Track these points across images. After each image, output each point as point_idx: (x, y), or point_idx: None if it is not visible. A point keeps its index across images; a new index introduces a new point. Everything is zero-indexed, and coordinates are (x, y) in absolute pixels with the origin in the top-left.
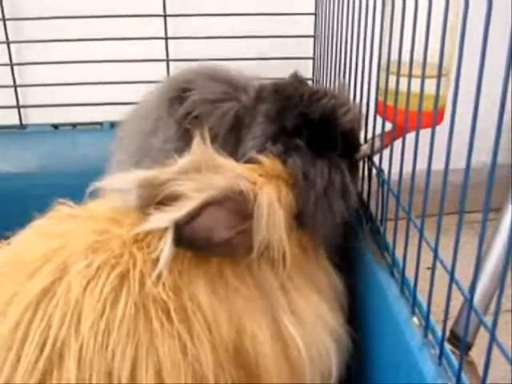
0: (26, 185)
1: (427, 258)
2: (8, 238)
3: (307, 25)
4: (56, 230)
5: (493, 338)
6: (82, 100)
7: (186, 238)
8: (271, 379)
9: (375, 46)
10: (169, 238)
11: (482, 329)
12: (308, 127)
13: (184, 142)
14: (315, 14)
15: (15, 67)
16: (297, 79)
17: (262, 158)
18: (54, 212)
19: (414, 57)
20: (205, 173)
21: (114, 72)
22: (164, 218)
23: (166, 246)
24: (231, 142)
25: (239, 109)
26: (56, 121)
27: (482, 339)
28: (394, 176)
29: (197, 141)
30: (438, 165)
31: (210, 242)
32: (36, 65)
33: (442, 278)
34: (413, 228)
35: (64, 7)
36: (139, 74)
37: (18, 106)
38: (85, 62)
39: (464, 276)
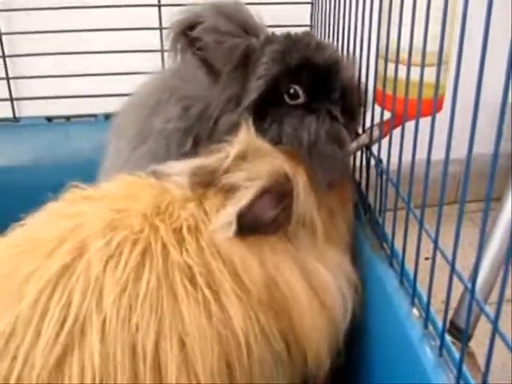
0: (20, 178)
1: (426, 248)
2: (2, 232)
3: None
4: (71, 211)
5: (495, 329)
6: (75, 92)
7: (246, 225)
8: (304, 316)
9: (373, 34)
10: (231, 229)
11: (480, 319)
12: (310, 71)
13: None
14: (312, 3)
15: (8, 59)
16: (309, 34)
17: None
18: (67, 194)
19: (413, 44)
20: (251, 160)
21: (108, 63)
22: (230, 212)
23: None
24: (238, 79)
25: (247, 46)
26: (50, 113)
27: (480, 329)
28: (393, 166)
29: (243, 129)
30: (437, 155)
31: (261, 224)
32: (29, 57)
33: (441, 268)
34: (412, 218)
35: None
36: (134, 65)
37: (12, 99)
38: (78, 53)
39: (463, 266)
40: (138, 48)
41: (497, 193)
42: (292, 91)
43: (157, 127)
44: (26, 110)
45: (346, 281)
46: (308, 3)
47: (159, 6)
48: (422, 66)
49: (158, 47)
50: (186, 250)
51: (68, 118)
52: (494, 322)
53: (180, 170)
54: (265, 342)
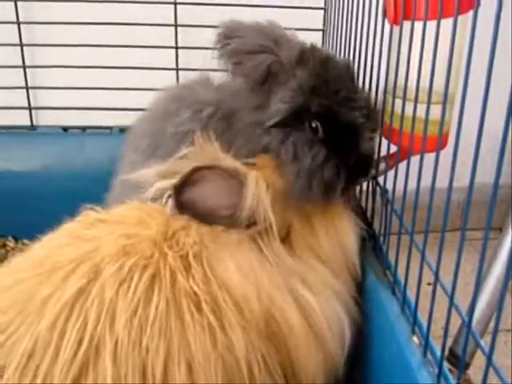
0: (34, 184)
1: (429, 273)
2: (18, 238)
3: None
4: (87, 234)
5: (489, 363)
6: (92, 104)
7: (187, 202)
8: (299, 347)
9: (382, 69)
10: (170, 201)
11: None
12: (328, 124)
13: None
14: (324, 9)
15: (28, 69)
16: (348, 66)
17: (254, 160)
18: (82, 217)
19: (420, 83)
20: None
21: (125, 78)
22: (165, 183)
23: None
24: (261, 96)
25: (273, 63)
26: (66, 123)
27: (480, 357)
28: (398, 193)
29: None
30: (440, 183)
31: (212, 213)
32: (48, 68)
33: (442, 295)
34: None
35: (77, 12)
36: (149, 82)
37: (30, 108)
38: (96, 67)
39: (464, 292)
40: (154, 65)
41: (499, 222)
42: (314, 125)
43: (169, 133)
44: (44, 119)
45: (335, 301)
46: (321, 8)
47: (176, 25)
48: (428, 104)
49: (173, 65)
50: (193, 277)
51: (84, 128)
52: (488, 357)
53: (147, 177)
54: (266, 372)
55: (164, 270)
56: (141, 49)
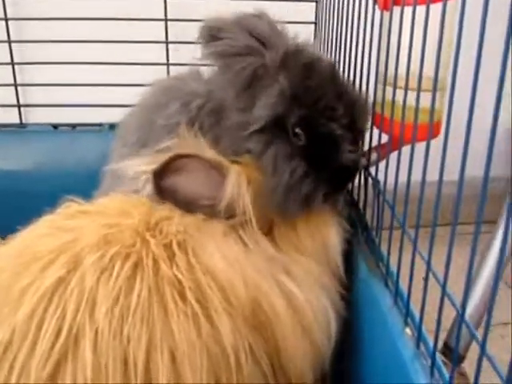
0: (24, 183)
1: (423, 267)
2: (4, 237)
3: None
4: (68, 225)
5: (483, 353)
6: (82, 101)
7: (167, 189)
8: (285, 336)
9: (373, 56)
10: (148, 185)
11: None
12: (308, 133)
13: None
14: (316, 2)
15: (16, 66)
16: (332, 69)
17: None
18: (63, 208)
19: (411, 70)
20: None
21: (114, 74)
22: (144, 167)
23: (146, 189)
24: (247, 97)
25: (258, 67)
26: (56, 121)
27: (476, 350)
28: (391, 186)
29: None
30: (433, 176)
31: (192, 202)
32: (37, 64)
33: (436, 288)
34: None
35: (66, 8)
36: (140, 77)
37: (19, 105)
38: (86, 63)
39: (457, 286)
40: (145, 61)
41: (494, 215)
42: (296, 131)
43: (158, 125)
44: (33, 116)
45: (321, 292)
46: (313, 1)
47: (166, 20)
48: (418, 90)
49: (164, 60)
50: (176, 265)
51: (74, 126)
52: (482, 347)
53: (132, 167)
54: (254, 360)
55: (147, 259)
56: (131, 44)
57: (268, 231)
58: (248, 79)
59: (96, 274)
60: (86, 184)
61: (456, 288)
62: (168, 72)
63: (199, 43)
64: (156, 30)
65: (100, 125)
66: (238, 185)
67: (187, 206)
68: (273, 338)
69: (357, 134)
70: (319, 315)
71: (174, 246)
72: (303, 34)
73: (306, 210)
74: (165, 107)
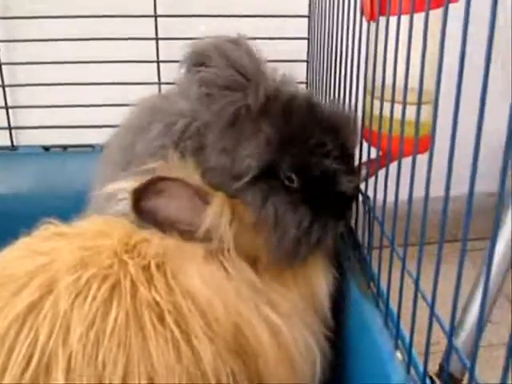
0: (17, 206)
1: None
2: None
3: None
4: (43, 248)
5: (472, 379)
6: (73, 122)
7: (147, 210)
8: (269, 365)
9: (362, 71)
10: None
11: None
12: (303, 178)
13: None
14: (308, 39)
15: (7, 88)
16: (309, 106)
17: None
18: (40, 231)
19: (398, 83)
20: None
21: (106, 94)
22: (124, 185)
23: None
24: (229, 138)
25: (241, 107)
26: (48, 143)
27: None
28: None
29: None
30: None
31: (170, 226)
32: (28, 86)
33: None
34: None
35: (58, 29)
36: (132, 97)
37: (10, 128)
38: (77, 84)
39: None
40: (136, 80)
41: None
42: (289, 175)
43: (141, 147)
44: (25, 138)
45: (306, 330)
46: (305, 16)
47: (157, 39)
48: (404, 103)
49: (155, 80)
50: (155, 287)
51: (65, 147)
52: (471, 370)
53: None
54: None
55: (124, 281)
56: (123, 64)
57: (252, 263)
58: (232, 117)
59: (71, 297)
60: (77, 205)
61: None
62: (159, 90)
63: (183, 67)
64: (147, 49)
65: (92, 146)
66: (220, 215)
67: (166, 228)
68: (254, 364)
69: (349, 159)
70: (304, 352)
71: (153, 268)
72: (296, 52)
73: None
74: (147, 129)
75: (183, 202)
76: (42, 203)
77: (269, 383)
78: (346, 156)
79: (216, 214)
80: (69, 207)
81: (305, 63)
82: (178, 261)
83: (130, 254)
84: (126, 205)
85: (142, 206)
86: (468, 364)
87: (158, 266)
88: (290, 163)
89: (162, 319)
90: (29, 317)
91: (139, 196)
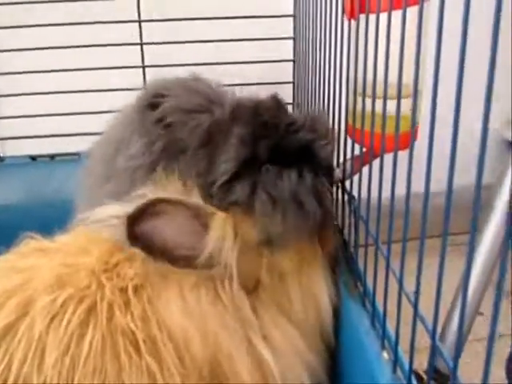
0: (5, 217)
1: (409, 281)
2: None
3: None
4: (21, 265)
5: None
6: (59, 131)
7: (142, 236)
8: None
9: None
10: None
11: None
12: (282, 155)
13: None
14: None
15: None
16: (276, 103)
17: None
18: (20, 246)
19: (379, 77)
20: None
21: (91, 102)
22: (117, 210)
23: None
24: (203, 158)
25: (212, 123)
26: (34, 152)
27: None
28: (374, 200)
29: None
30: (417, 187)
31: (168, 251)
32: (12, 96)
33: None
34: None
35: (43, 38)
36: (117, 104)
37: None
38: (62, 92)
39: (448, 297)
40: (121, 87)
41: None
42: (266, 170)
43: (120, 166)
44: (11, 149)
45: (298, 364)
46: (290, 16)
47: (141, 44)
48: (385, 98)
49: (141, 86)
50: (131, 314)
51: (52, 156)
52: (453, 372)
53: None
54: None
55: (101, 304)
56: (109, 70)
57: (253, 288)
58: (204, 136)
59: (46, 319)
60: (66, 215)
61: (447, 299)
62: None
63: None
64: (132, 55)
65: (78, 154)
66: (223, 237)
67: (161, 255)
68: None
69: (323, 129)
70: (288, 380)
71: (130, 292)
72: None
73: (327, 212)
74: (127, 145)
75: (182, 225)
76: (30, 213)
77: None
78: (321, 127)
79: (217, 238)
80: (57, 216)
81: (291, 62)
82: (159, 284)
83: (109, 274)
84: (117, 231)
85: (137, 231)
86: (451, 365)
87: (134, 289)
88: (266, 153)
89: (137, 348)
90: (4, 341)
91: (134, 221)
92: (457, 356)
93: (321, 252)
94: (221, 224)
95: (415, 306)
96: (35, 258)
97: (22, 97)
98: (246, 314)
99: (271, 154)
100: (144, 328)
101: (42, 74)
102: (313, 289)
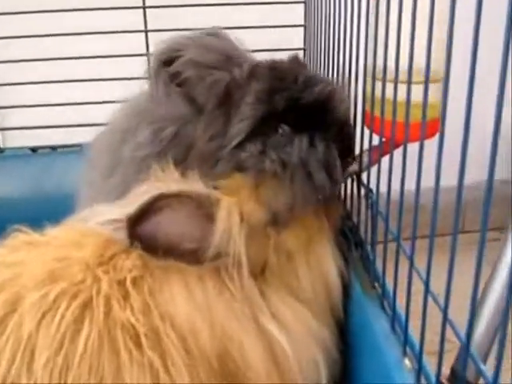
0: (5, 210)
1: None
2: None
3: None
4: (10, 259)
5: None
6: (61, 122)
7: (144, 235)
8: None
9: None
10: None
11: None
12: (299, 111)
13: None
14: (304, 26)
15: None
16: (296, 61)
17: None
18: (9, 240)
19: (401, 62)
20: None
21: (95, 92)
22: (117, 213)
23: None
24: (219, 118)
25: (230, 82)
26: (35, 144)
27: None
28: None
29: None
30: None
31: (173, 246)
32: (13, 86)
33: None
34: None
35: (43, 24)
36: (119, 95)
37: None
38: (63, 81)
39: (466, 302)
40: (124, 76)
41: (501, 220)
42: (281, 131)
43: (126, 156)
44: (11, 140)
45: (312, 342)
46: (301, 2)
47: (146, 31)
48: (409, 83)
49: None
50: (131, 307)
51: (53, 148)
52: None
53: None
54: None
55: (97, 298)
56: (112, 60)
57: (260, 272)
58: (222, 95)
59: (37, 316)
60: (67, 207)
61: (465, 304)
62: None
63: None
64: (136, 43)
65: (80, 146)
66: (230, 225)
67: (166, 251)
68: None
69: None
70: (307, 369)
71: (128, 284)
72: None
73: (335, 185)
74: (134, 134)
75: (186, 217)
76: (29, 207)
77: None
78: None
79: (224, 227)
80: (58, 208)
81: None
82: (160, 276)
83: (105, 267)
84: (118, 234)
85: (139, 231)
86: (489, 376)
87: (134, 282)
88: (284, 105)
89: (138, 343)
90: None
91: (135, 223)
92: (500, 359)
93: (327, 227)
94: (226, 213)
95: (445, 310)
96: (25, 252)
97: (22, 86)
98: (255, 298)
99: (287, 108)
100: (146, 321)
101: (42, 63)
102: (321, 266)
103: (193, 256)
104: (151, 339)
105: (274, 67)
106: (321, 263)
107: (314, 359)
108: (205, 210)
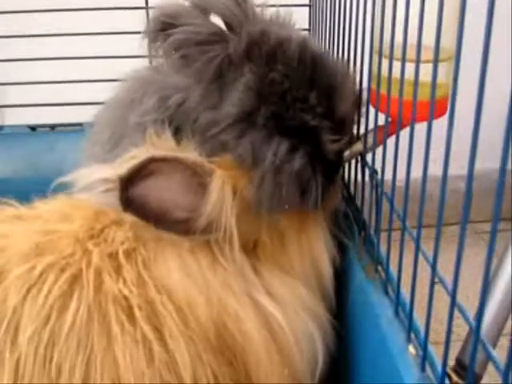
0: (2, 189)
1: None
2: None
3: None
4: None
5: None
6: (61, 100)
7: (136, 198)
8: (259, 362)
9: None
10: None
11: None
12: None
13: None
14: (310, 6)
15: None
16: (301, 50)
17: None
18: None
19: (410, 40)
20: None
21: (94, 70)
22: (107, 174)
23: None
24: (214, 93)
25: (224, 58)
26: (34, 122)
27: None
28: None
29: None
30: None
31: (164, 214)
32: (11, 63)
33: (445, 294)
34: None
35: (39, 2)
36: (121, 72)
37: None
38: (63, 58)
39: (473, 292)
40: (125, 54)
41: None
42: (262, 122)
43: (132, 122)
44: (10, 118)
45: (307, 317)
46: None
47: (147, 8)
48: (418, 61)
49: (146, 53)
50: (123, 279)
51: (53, 126)
52: (505, 375)
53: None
54: None
55: (87, 271)
56: (112, 37)
57: (252, 248)
58: (214, 73)
59: (22, 290)
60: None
61: (472, 291)
62: (151, 63)
63: (151, 34)
64: (137, 21)
65: (81, 124)
66: (221, 198)
67: (158, 219)
68: (243, 365)
69: (340, 122)
70: (303, 343)
71: (121, 256)
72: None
73: (308, 202)
74: (140, 102)
75: (178, 184)
76: (28, 185)
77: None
78: (335, 117)
79: (217, 198)
80: (57, 188)
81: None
82: (154, 248)
83: (95, 240)
84: (109, 196)
85: (130, 194)
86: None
87: (127, 254)
88: (266, 115)
89: (131, 316)
90: None
91: (127, 184)
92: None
93: (322, 212)
94: (220, 184)
95: (453, 296)
96: (11, 225)
97: (22, 65)
98: (247, 273)
99: (269, 119)
100: (140, 293)
101: (41, 39)
102: (312, 251)
103: (184, 226)
104: (145, 311)
105: (272, 55)
106: (312, 248)
107: (309, 332)
108: (198, 178)
